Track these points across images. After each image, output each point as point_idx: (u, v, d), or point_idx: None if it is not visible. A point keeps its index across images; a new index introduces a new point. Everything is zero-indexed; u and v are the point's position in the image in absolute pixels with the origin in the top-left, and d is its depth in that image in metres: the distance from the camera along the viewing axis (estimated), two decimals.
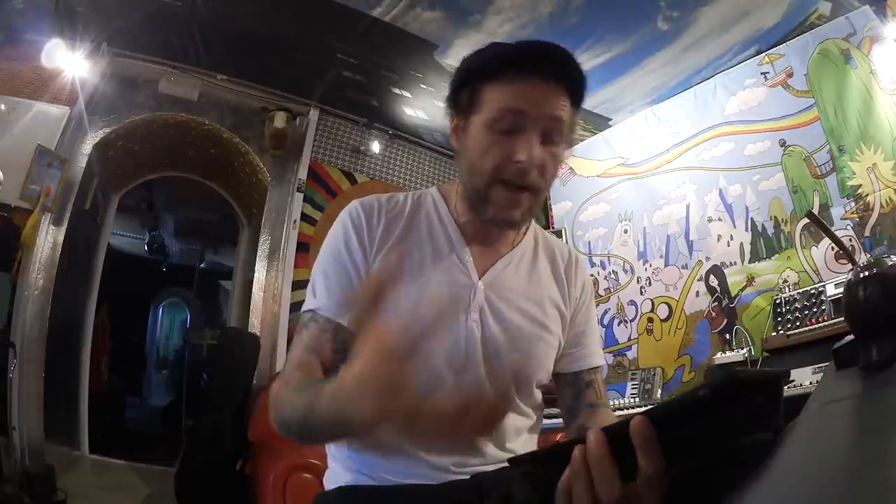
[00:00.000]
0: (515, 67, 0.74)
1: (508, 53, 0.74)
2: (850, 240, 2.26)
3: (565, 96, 0.75)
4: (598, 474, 0.41)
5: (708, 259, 2.76)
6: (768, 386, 0.40)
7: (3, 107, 2.49)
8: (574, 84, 0.76)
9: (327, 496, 0.80)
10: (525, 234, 0.91)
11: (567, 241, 3.23)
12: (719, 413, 0.39)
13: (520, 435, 0.82)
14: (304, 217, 3.14)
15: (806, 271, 2.40)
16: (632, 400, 2.68)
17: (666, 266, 2.95)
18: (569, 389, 0.89)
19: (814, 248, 2.40)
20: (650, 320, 2.96)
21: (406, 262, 0.80)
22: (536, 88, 0.73)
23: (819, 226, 0.83)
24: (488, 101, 0.75)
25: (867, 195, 2.26)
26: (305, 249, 3.06)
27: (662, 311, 2.92)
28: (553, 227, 3.51)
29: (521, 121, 0.73)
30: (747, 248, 2.62)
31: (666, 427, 0.40)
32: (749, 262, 2.60)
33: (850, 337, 0.59)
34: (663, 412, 0.41)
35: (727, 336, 2.57)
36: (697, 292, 2.77)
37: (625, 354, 3.03)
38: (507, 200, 0.76)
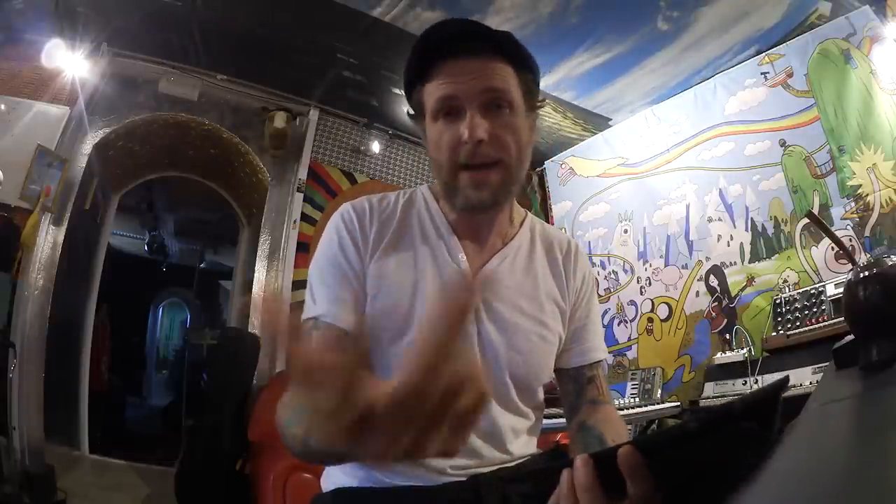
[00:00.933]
0: (434, 59, 0.74)
1: (420, 50, 0.75)
2: (850, 240, 2.26)
3: (497, 63, 0.74)
4: (585, 500, 0.42)
5: (708, 259, 2.76)
6: (762, 407, 0.40)
7: (3, 107, 2.49)
8: (499, 47, 0.74)
9: (324, 498, 0.79)
10: (521, 226, 0.89)
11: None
12: (709, 438, 0.39)
13: (518, 436, 0.81)
14: (304, 217, 3.14)
15: (806, 271, 2.40)
16: (632, 400, 2.68)
17: (666, 266, 2.95)
18: (570, 385, 0.88)
19: (814, 248, 2.40)
20: (650, 320, 2.96)
21: (399, 264, 0.79)
22: (456, 69, 0.73)
23: (819, 226, 0.83)
24: (427, 99, 0.77)
25: (867, 195, 2.26)
26: (305, 249, 3.06)
27: (662, 311, 2.92)
28: None
29: (456, 104, 0.73)
30: (747, 248, 2.62)
31: (655, 452, 0.40)
32: (749, 262, 2.60)
33: (850, 337, 0.59)
34: (652, 441, 0.41)
35: (727, 336, 2.57)
36: (697, 292, 2.77)
37: (625, 354, 3.03)
38: (472, 182, 0.74)
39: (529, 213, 0.92)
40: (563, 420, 0.93)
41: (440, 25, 0.73)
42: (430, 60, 0.74)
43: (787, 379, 0.43)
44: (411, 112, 0.82)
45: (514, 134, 0.74)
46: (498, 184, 0.75)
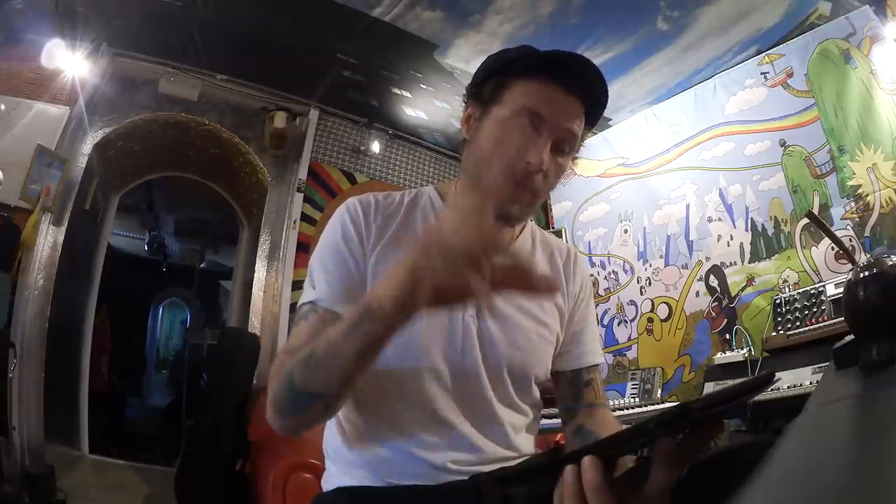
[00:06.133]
0: (548, 72, 0.75)
1: (544, 57, 0.75)
2: (850, 240, 2.26)
3: (581, 111, 0.78)
4: (595, 501, 0.42)
5: (708, 259, 2.76)
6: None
7: (3, 107, 2.49)
8: (594, 105, 0.79)
9: (325, 497, 0.80)
10: (522, 231, 0.91)
11: (567, 241, 3.23)
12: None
13: (518, 433, 0.82)
14: (304, 217, 3.13)
15: (806, 271, 2.40)
16: (632, 400, 2.68)
17: (666, 266, 2.95)
18: (567, 388, 0.89)
19: (814, 248, 2.40)
20: (650, 320, 2.96)
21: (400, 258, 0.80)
22: (561, 98, 0.75)
23: (819, 226, 0.83)
24: (512, 97, 0.76)
25: (867, 195, 2.26)
26: (305, 249, 3.06)
27: (662, 311, 2.92)
28: (553, 227, 3.52)
29: (539, 124, 0.75)
30: (747, 248, 2.62)
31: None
32: (749, 262, 2.60)
33: (850, 337, 0.59)
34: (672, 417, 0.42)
35: (727, 336, 2.57)
36: (697, 292, 2.77)
37: (625, 354, 3.03)
38: (510, 194, 0.76)
39: (531, 221, 0.94)
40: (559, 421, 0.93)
41: (571, 54, 0.75)
42: (546, 70, 0.75)
43: (771, 374, 0.43)
44: (470, 88, 0.83)
45: (557, 175, 0.80)
46: (525, 205, 0.79)
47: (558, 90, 0.75)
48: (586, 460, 0.43)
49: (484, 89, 0.80)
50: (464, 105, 0.85)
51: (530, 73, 0.76)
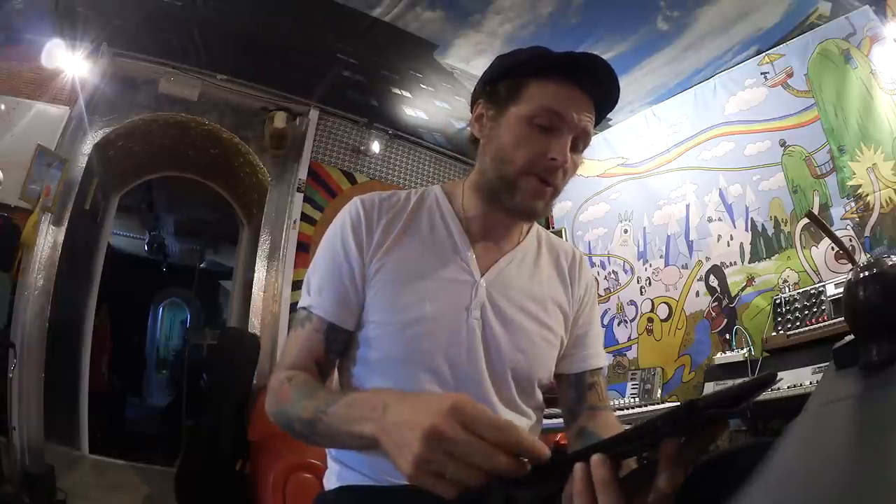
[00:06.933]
0: (564, 72, 0.76)
1: (561, 58, 0.76)
2: (850, 240, 2.26)
3: (592, 111, 0.79)
4: (605, 497, 0.42)
5: (708, 259, 2.76)
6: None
7: (3, 107, 2.49)
8: (605, 104, 0.81)
9: (327, 496, 0.80)
10: (528, 233, 0.91)
11: (567, 241, 3.23)
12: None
13: None
14: (304, 217, 3.14)
15: (806, 271, 2.40)
16: (632, 400, 2.68)
17: (666, 266, 2.95)
18: (571, 391, 0.89)
19: (814, 248, 2.40)
20: (650, 320, 2.96)
21: (407, 258, 0.81)
22: (577, 97, 0.77)
23: (819, 226, 0.83)
24: (532, 96, 0.77)
25: (867, 195, 2.26)
26: (305, 249, 3.07)
27: (662, 311, 2.92)
28: (553, 227, 3.51)
29: (560, 123, 0.76)
30: (747, 248, 2.62)
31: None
32: (749, 262, 2.60)
33: (850, 337, 0.59)
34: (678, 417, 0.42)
35: (727, 336, 2.57)
36: (697, 292, 2.77)
37: (625, 354, 3.03)
38: (535, 190, 0.78)
39: (535, 222, 0.94)
40: (562, 420, 0.93)
41: (587, 55, 0.77)
42: (562, 70, 0.76)
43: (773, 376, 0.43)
44: (482, 87, 0.84)
45: (573, 172, 0.81)
46: (549, 199, 0.81)
47: (575, 89, 0.77)
48: (595, 457, 0.43)
49: (499, 89, 0.80)
50: (472, 105, 0.86)
51: (546, 73, 0.77)
